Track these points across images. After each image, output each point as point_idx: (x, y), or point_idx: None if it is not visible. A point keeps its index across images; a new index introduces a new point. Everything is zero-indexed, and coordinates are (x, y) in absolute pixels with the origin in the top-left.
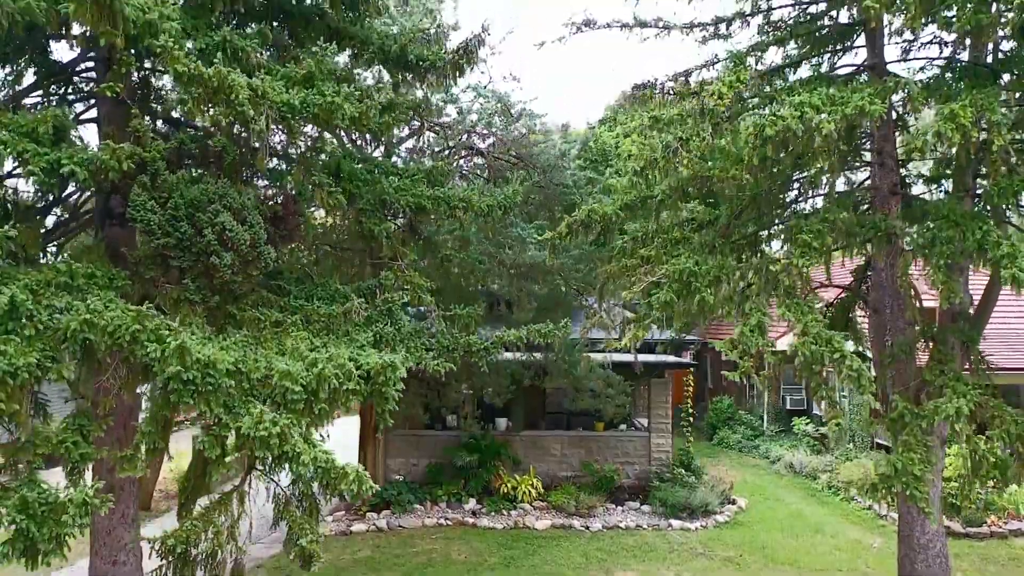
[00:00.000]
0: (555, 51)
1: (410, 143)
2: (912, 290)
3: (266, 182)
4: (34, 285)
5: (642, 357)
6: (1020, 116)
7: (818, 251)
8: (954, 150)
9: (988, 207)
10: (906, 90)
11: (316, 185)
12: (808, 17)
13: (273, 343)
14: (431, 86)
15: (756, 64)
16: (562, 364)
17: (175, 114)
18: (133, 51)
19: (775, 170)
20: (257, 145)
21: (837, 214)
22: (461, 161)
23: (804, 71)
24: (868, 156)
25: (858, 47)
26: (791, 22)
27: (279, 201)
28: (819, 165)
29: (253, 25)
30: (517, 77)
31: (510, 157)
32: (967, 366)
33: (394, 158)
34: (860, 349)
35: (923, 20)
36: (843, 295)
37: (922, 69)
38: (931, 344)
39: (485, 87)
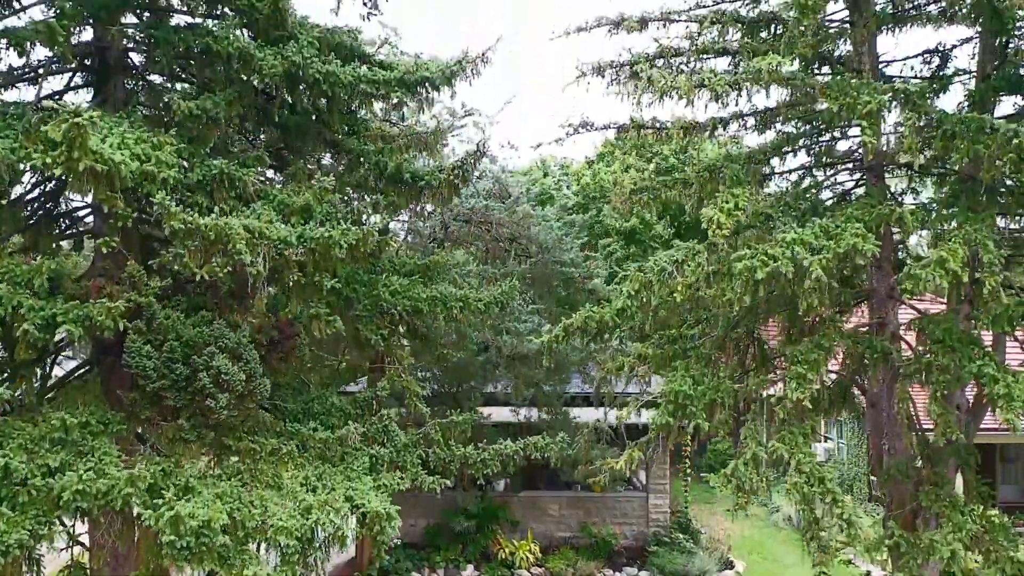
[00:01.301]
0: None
1: (406, 215)
2: (909, 419)
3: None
4: (29, 443)
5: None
6: (1017, 238)
7: (813, 381)
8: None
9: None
10: (900, 220)
11: (314, 316)
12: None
13: (269, 471)
14: (429, 200)
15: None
16: (562, 446)
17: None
18: (133, 194)
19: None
20: (254, 282)
21: (832, 340)
22: (459, 230)
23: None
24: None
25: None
26: (793, 132)
27: (275, 324)
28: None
29: (249, 134)
30: (515, 145)
31: (508, 242)
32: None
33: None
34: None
35: (920, 150)
36: (840, 376)
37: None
38: (928, 467)
39: (484, 169)
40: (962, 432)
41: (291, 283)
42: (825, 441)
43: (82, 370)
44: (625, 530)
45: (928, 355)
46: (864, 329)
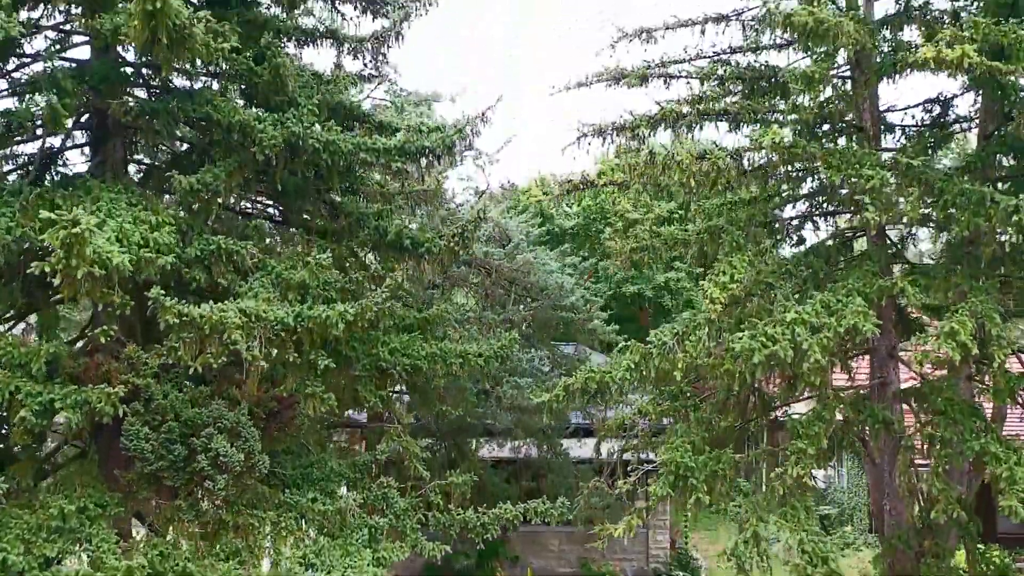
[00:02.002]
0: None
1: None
2: (911, 491)
3: None
4: (27, 533)
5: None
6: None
7: (814, 456)
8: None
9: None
10: (902, 292)
11: (309, 395)
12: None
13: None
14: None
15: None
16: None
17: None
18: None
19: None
20: (248, 366)
21: (833, 410)
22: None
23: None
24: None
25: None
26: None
27: (274, 396)
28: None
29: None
30: (514, 184)
31: (508, 285)
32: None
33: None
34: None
35: (920, 221)
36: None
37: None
38: (929, 538)
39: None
40: (964, 510)
41: (287, 361)
42: (825, 468)
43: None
44: (625, 566)
45: (929, 427)
46: (865, 389)
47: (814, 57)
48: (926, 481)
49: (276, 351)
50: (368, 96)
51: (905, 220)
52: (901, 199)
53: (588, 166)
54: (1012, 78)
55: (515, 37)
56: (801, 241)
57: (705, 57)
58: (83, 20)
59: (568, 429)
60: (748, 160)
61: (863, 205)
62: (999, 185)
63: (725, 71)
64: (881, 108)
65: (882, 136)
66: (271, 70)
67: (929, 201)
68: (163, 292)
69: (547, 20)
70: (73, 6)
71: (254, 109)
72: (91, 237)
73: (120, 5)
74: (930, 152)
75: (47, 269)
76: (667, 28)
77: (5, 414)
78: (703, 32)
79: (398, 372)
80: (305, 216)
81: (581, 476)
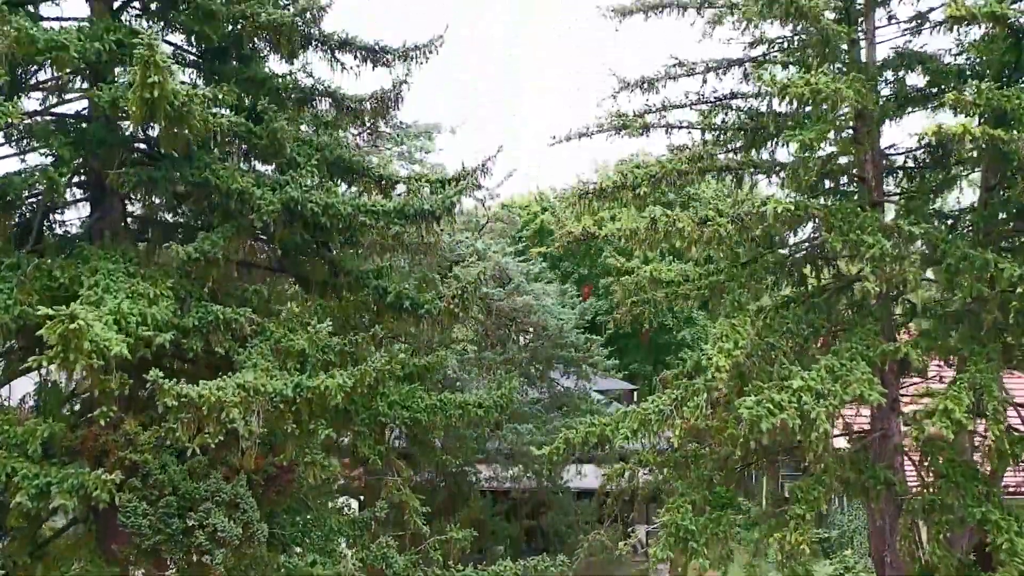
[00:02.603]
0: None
1: None
2: (911, 556)
3: None
4: None
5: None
6: None
7: (812, 522)
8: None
9: None
10: (906, 357)
11: (309, 464)
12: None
13: None
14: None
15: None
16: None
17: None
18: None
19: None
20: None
21: (833, 475)
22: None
23: None
24: None
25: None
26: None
27: (272, 461)
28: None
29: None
30: (513, 220)
31: (508, 322)
32: None
33: None
34: None
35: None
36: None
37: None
38: None
39: (484, 250)
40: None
41: (286, 431)
42: None
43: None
44: None
45: (930, 490)
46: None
47: (814, 116)
48: (926, 549)
49: (275, 422)
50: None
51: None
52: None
53: (590, 175)
54: (1015, 145)
55: (515, 37)
56: (803, 280)
57: (707, 102)
58: (82, 89)
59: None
60: (749, 222)
61: (864, 276)
62: (1002, 243)
63: (726, 119)
64: (883, 145)
65: (884, 179)
66: (269, 134)
67: (930, 265)
68: (161, 374)
69: (547, 20)
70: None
71: (252, 165)
72: (88, 331)
73: (119, 78)
74: (931, 196)
75: (45, 363)
76: (669, 78)
77: (2, 497)
78: (704, 80)
79: (398, 425)
80: (304, 269)
81: (581, 513)
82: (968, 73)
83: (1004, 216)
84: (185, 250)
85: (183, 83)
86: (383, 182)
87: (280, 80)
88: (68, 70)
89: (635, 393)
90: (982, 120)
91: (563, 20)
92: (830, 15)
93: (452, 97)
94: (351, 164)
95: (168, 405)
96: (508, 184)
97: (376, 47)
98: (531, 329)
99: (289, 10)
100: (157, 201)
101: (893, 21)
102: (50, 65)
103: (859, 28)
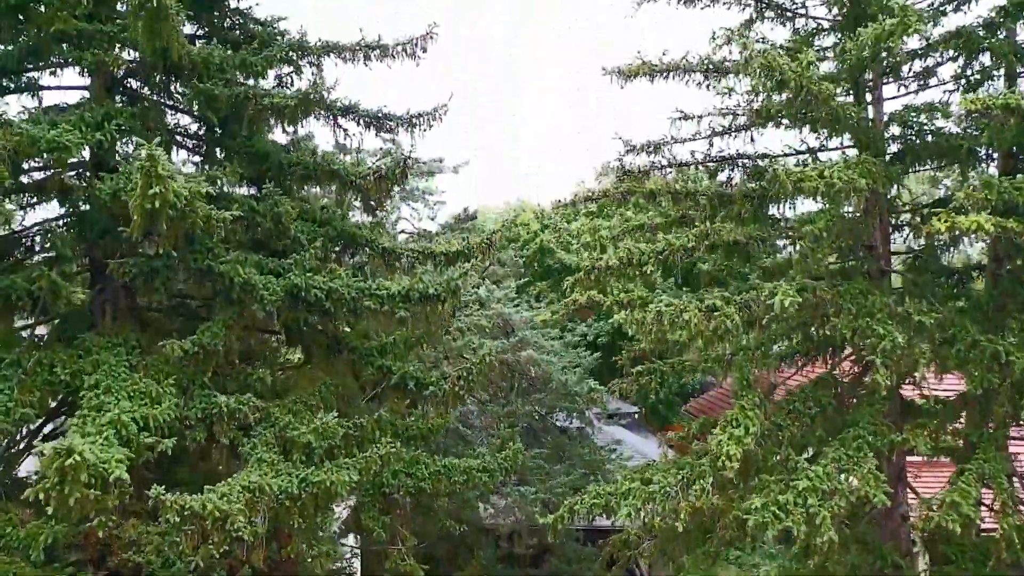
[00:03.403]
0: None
1: None
2: None
3: None
4: None
5: None
6: None
7: None
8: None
9: None
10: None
11: (315, 555)
12: None
13: None
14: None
15: None
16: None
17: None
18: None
19: None
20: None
21: (837, 566)
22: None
23: None
24: None
25: None
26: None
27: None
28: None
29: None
30: (517, 263)
31: (512, 375)
32: None
33: None
34: None
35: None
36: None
37: None
38: None
39: (487, 299)
40: None
41: (292, 527)
42: None
43: None
44: None
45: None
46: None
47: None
48: None
49: (281, 518)
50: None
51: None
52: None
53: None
54: None
55: (515, 37)
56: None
57: (713, 160)
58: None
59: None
60: (757, 310)
61: (874, 366)
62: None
63: (732, 175)
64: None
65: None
66: (273, 218)
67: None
68: (163, 489)
69: (547, 20)
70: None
71: (254, 249)
72: (84, 465)
73: (121, 169)
74: (940, 252)
75: (40, 496)
76: (675, 141)
77: None
78: (711, 143)
79: (401, 495)
80: (307, 341)
81: (586, 559)
82: (978, 151)
83: (1012, 294)
84: (183, 346)
85: (185, 174)
86: (387, 256)
87: (284, 156)
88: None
89: (641, 414)
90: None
91: (563, 20)
92: (839, 91)
93: (453, 97)
94: (355, 237)
95: (171, 521)
96: (508, 187)
97: (380, 115)
98: (535, 383)
99: (292, 89)
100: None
101: (902, 89)
102: (52, 163)
103: (867, 98)
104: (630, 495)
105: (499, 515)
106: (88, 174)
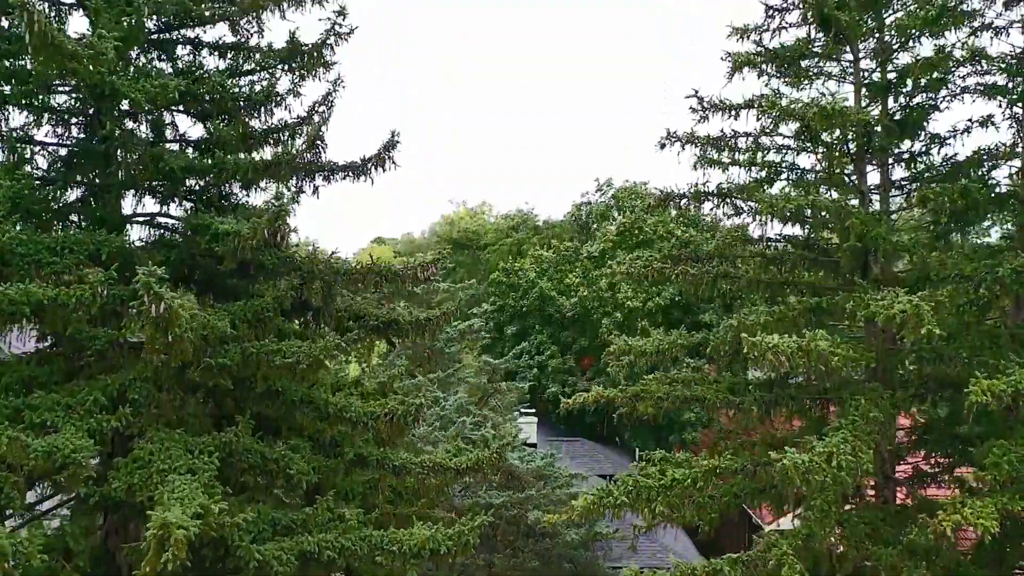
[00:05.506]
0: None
1: None
2: None
3: None
4: None
5: None
6: None
7: None
8: None
9: None
10: None
11: None
12: None
13: None
14: None
15: None
16: None
17: None
18: None
19: None
20: None
21: None
22: None
23: None
24: None
25: None
26: None
27: None
28: None
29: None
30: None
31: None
32: None
33: None
34: None
35: None
36: None
37: None
38: None
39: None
40: None
41: None
42: None
43: None
44: None
45: None
46: None
47: None
48: None
49: None
50: None
51: None
52: None
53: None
54: None
55: (521, 36)
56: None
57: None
58: None
59: None
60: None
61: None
62: None
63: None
64: None
65: None
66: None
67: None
68: None
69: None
70: None
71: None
72: None
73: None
74: None
75: None
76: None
77: None
78: None
79: None
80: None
81: None
82: None
83: None
84: None
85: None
86: (367, 397)
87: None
88: None
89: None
90: None
91: (563, 20)
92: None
93: (453, 97)
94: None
95: None
96: (509, 194)
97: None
98: (542, 537)
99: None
100: None
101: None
102: None
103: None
104: None
105: None
106: None
